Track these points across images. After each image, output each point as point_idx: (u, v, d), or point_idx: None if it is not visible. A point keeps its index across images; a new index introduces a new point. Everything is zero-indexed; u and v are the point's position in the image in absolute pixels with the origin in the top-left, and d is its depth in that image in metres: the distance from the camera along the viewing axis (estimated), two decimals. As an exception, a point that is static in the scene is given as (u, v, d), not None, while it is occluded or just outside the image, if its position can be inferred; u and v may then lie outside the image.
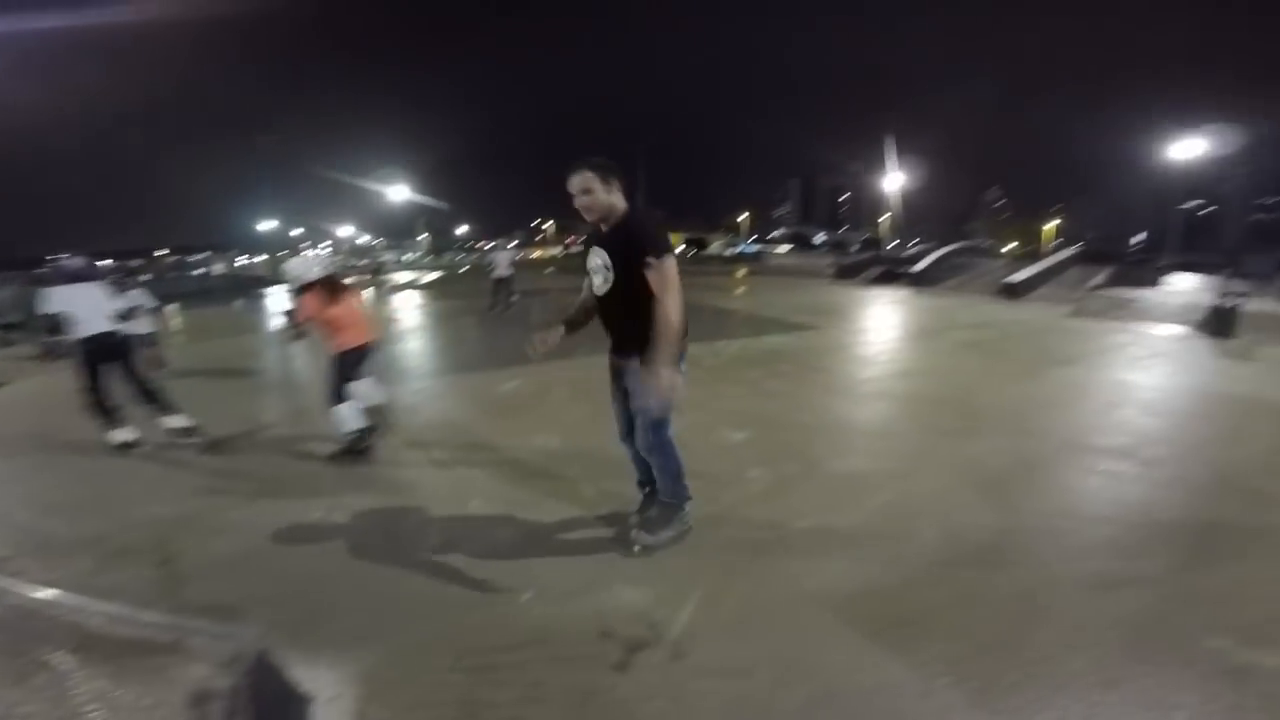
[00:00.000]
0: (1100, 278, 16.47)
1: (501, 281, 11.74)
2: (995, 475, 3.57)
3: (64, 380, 4.50)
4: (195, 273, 39.17)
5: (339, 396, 3.88)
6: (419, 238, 75.99)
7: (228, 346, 9.02)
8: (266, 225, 48.61)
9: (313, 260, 4.53)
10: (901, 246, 29.32)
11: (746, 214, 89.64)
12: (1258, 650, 2.05)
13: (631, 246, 2.36)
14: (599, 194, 2.41)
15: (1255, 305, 10.73)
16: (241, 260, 56.93)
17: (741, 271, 26.00)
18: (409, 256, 64.78)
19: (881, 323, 10.63)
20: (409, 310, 13.51)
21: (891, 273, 19.10)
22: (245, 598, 2.45)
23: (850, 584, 2.46)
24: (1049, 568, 2.59)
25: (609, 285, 2.47)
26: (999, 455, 3.89)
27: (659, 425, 2.59)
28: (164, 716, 1.73)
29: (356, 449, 3.91)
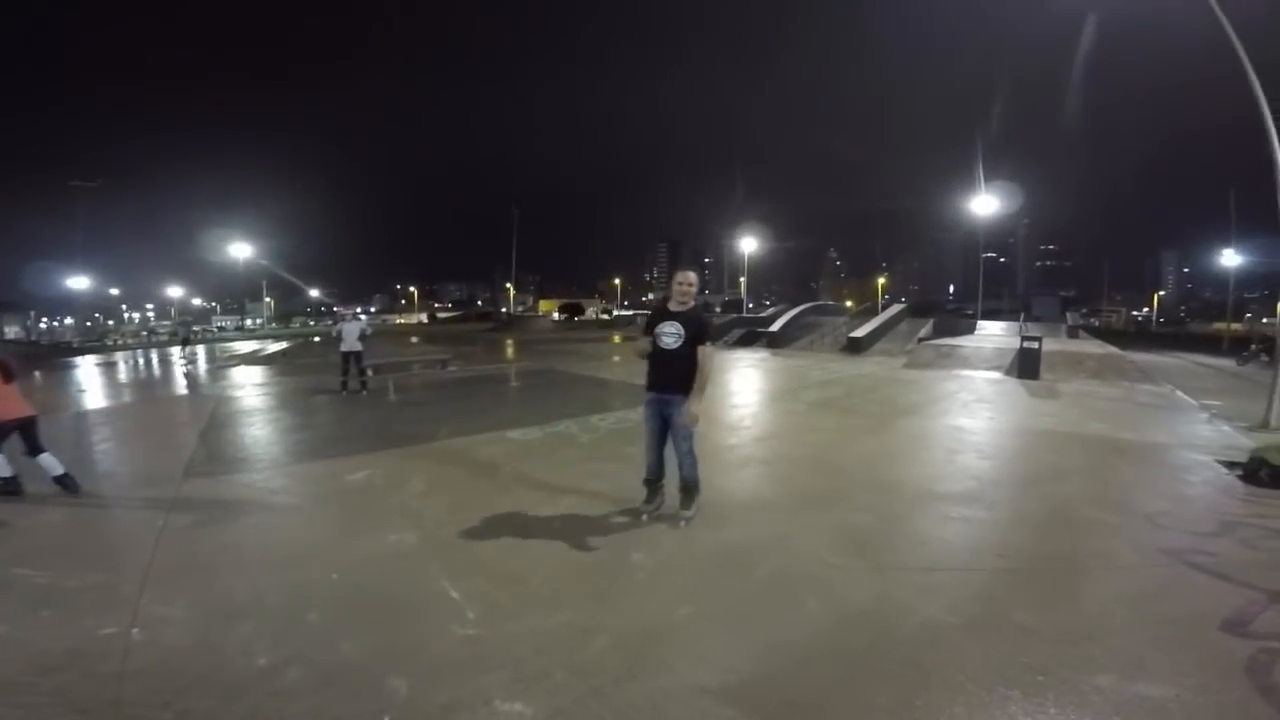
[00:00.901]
0: (926, 329, 18.93)
1: (350, 356, 10.59)
2: (863, 535, 3.72)
3: None
4: None
5: None
6: (262, 302, 68.93)
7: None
8: (77, 284, 41.96)
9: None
10: (759, 307, 31.81)
11: (617, 279, 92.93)
12: (1142, 682, 2.22)
13: (701, 328, 3.80)
14: (694, 290, 3.85)
15: (1050, 345, 12.76)
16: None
17: (617, 337, 26.45)
18: (249, 324, 58.47)
19: (744, 385, 11.16)
20: (246, 387, 11.84)
21: (752, 333, 20.48)
22: None
23: (743, 671, 2.34)
24: (930, 625, 2.66)
25: (676, 346, 3.73)
26: (863, 514, 4.09)
27: (690, 438, 3.86)
28: None
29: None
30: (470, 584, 3.03)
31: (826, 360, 14.45)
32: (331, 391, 10.34)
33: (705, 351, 3.73)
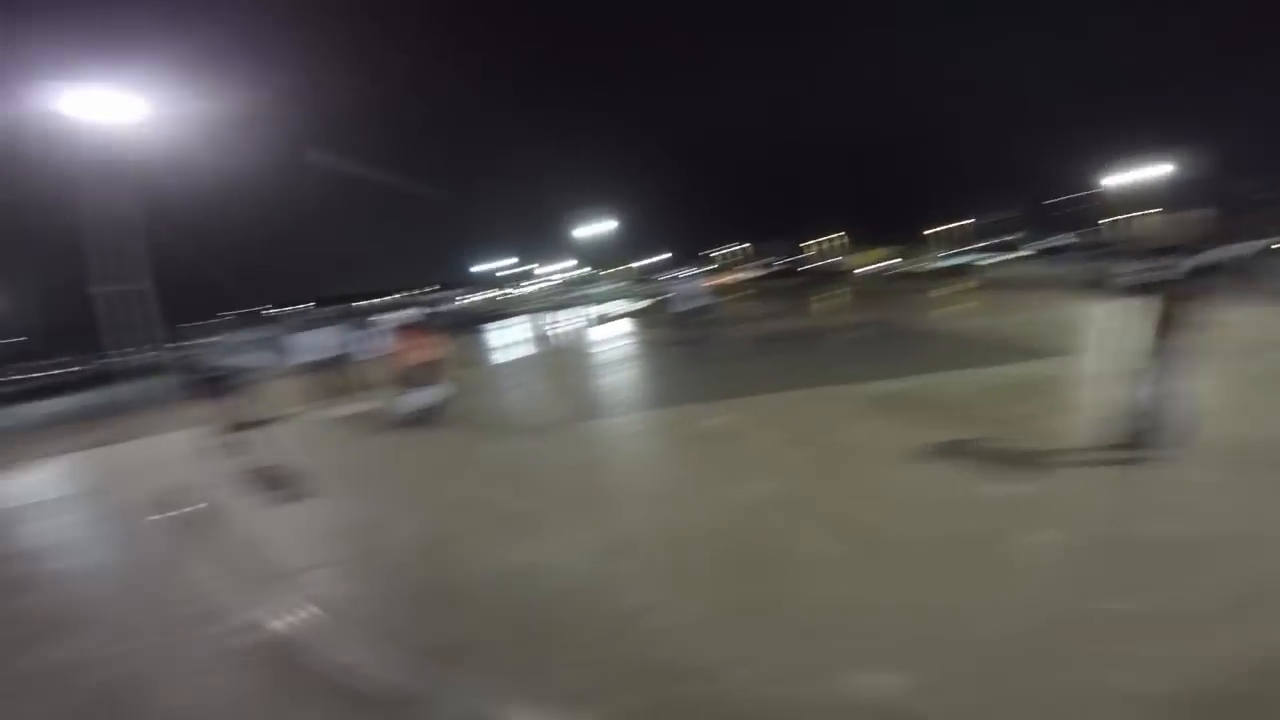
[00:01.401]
0: None
1: (688, 314, 11.75)
2: None
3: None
4: (429, 310, 47.15)
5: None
6: (621, 267, 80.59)
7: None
8: (481, 265, 56.03)
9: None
10: (1185, 253, 22.94)
11: (962, 222, 79.74)
12: None
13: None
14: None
15: None
16: (462, 297, 66.24)
17: (964, 285, 22.63)
18: (612, 287, 69.02)
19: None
20: (612, 342, 14.12)
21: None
22: (473, 639, 2.38)
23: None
24: None
25: None
26: None
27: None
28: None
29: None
30: (829, 537, 2.84)
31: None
32: (680, 344, 11.48)
33: None
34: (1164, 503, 2.97)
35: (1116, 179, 26.33)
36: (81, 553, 4.23)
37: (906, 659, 2.02)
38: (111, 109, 12.40)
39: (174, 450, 6.44)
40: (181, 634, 2.77)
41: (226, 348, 7.31)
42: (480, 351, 15.01)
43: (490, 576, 2.95)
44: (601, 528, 3.41)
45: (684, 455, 4.76)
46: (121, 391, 13.34)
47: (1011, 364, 6.33)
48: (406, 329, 7.34)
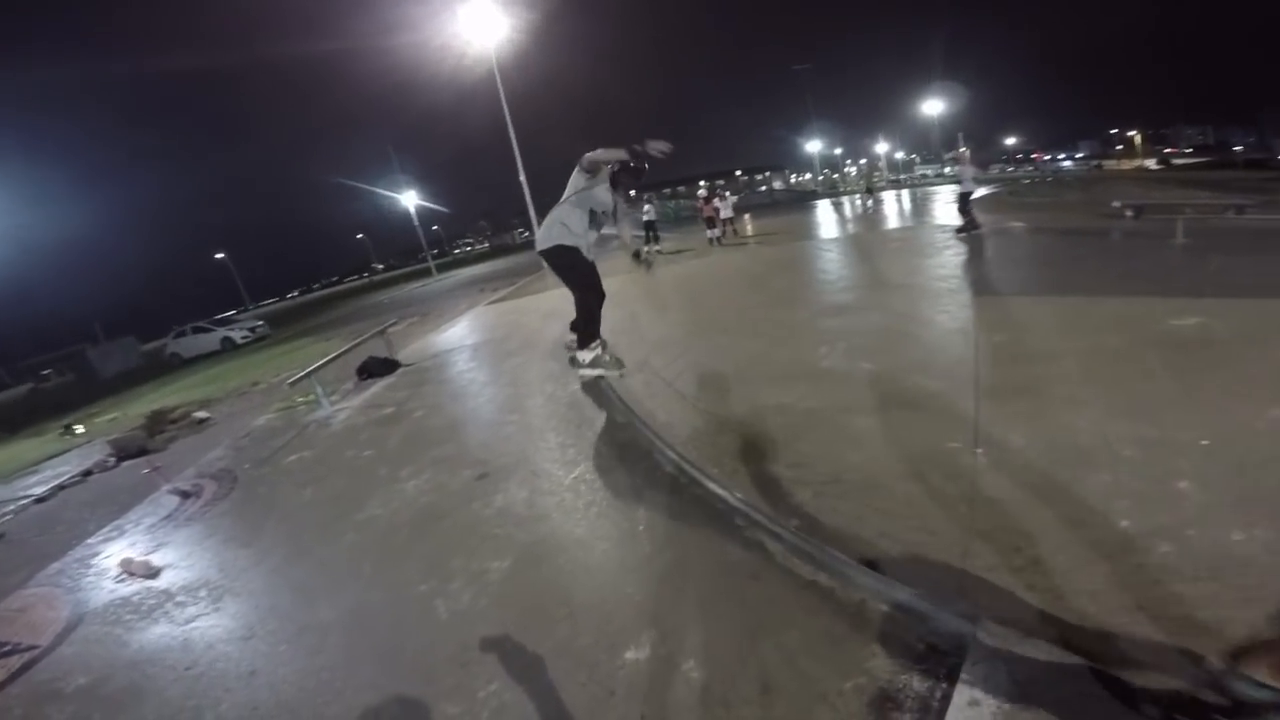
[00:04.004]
0: None
1: (968, 197, 10.16)
2: None
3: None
4: (761, 189, 47.83)
5: None
6: (959, 151, 68.61)
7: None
8: (812, 147, 53.50)
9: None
10: None
11: None
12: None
13: None
14: None
15: None
16: (793, 178, 64.98)
17: None
18: (947, 170, 60.03)
19: None
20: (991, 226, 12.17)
21: None
22: (940, 541, 2.16)
23: None
24: None
25: None
26: None
27: None
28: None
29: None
30: None
31: None
32: (1080, 232, 9.36)
33: None
34: None
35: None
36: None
37: None
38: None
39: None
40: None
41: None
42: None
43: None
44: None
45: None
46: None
47: None
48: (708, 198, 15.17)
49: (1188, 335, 3.85)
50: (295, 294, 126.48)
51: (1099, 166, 64.98)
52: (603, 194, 4.23)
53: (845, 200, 30.38)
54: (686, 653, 1.88)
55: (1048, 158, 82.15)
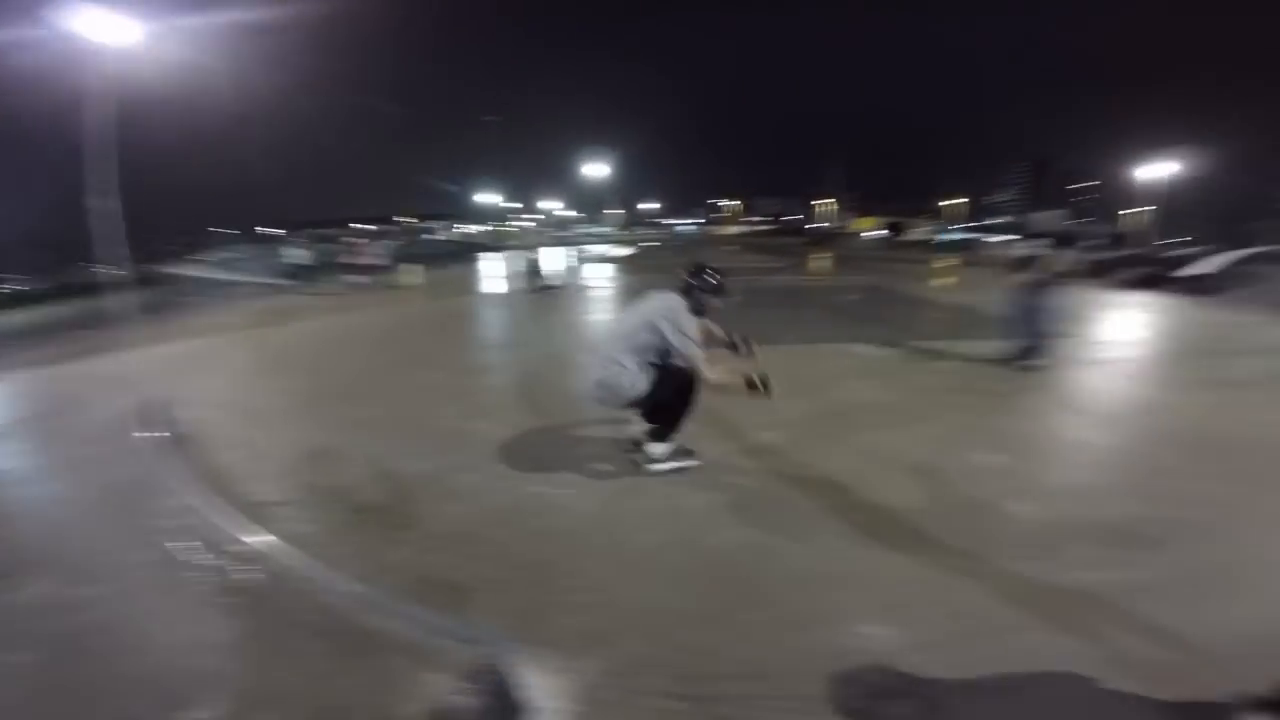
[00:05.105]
0: None
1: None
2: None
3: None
4: (427, 238, 46.82)
5: None
6: (610, 212, 78.89)
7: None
8: (484, 198, 55.07)
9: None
10: (1164, 247, 23.59)
11: (960, 200, 78.92)
12: None
13: None
14: None
15: None
16: (460, 229, 64.71)
17: (945, 262, 22.52)
18: (602, 230, 67.76)
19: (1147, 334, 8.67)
20: (605, 283, 14.07)
21: (1156, 276, 15.60)
22: (474, 577, 2.50)
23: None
24: None
25: None
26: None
27: None
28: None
29: None
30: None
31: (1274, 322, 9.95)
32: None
33: None
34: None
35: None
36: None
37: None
38: (110, 30, 12.71)
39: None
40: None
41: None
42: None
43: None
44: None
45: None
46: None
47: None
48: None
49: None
50: None
51: (708, 230, 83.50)
52: None
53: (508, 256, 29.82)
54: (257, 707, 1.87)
55: (671, 222, 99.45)
